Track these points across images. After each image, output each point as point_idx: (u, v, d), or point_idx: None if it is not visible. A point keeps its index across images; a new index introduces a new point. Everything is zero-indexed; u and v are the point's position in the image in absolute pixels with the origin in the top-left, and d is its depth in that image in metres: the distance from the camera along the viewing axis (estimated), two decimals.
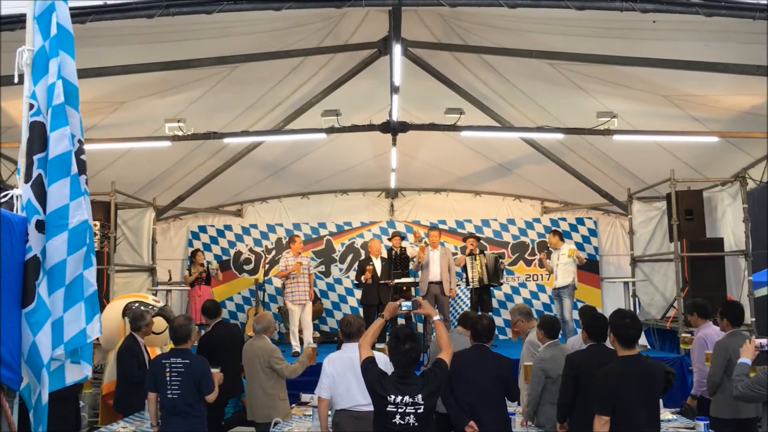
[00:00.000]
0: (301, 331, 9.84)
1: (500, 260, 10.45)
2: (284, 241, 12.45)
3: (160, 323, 7.38)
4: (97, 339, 4.45)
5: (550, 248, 10.05)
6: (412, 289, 10.16)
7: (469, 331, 5.56)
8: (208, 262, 11.36)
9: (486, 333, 5.32)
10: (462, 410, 5.05)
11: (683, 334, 7.71)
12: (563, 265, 9.75)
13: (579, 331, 6.99)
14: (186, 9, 5.68)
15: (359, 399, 4.89)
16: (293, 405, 6.53)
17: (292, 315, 9.72)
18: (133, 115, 8.56)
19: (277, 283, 12.28)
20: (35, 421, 3.34)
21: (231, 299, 12.38)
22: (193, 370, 5.31)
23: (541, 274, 12.11)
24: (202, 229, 12.67)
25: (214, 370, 5.61)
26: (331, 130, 8.78)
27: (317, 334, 10.52)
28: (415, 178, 12.43)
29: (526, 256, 12.37)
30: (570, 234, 12.12)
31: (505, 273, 11.88)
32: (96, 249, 9.11)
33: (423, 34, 7.96)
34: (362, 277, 10.16)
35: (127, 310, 7.42)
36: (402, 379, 4.06)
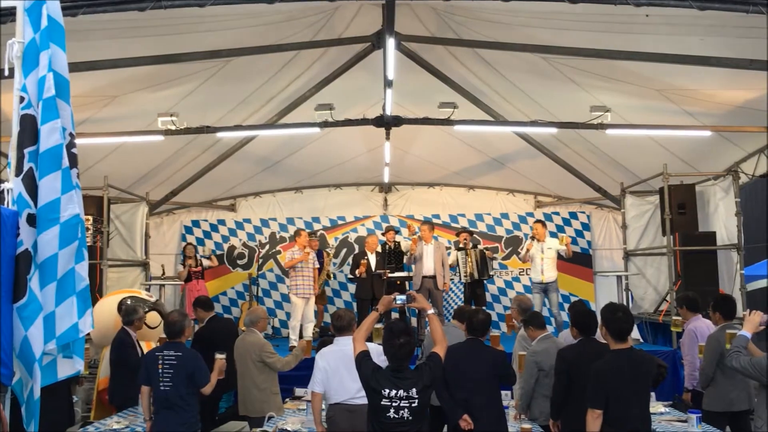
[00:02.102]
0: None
1: (486, 251, 10.42)
2: (278, 236, 12.49)
3: (154, 318, 7.37)
4: (89, 334, 4.44)
5: (535, 239, 9.82)
6: (406, 283, 10.17)
7: (464, 325, 5.58)
8: (203, 256, 11.32)
9: (481, 327, 5.34)
10: (456, 404, 5.06)
11: (674, 317, 7.67)
12: (550, 259, 9.70)
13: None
14: (178, 2, 5.66)
15: (353, 392, 4.89)
16: (287, 399, 6.53)
17: (296, 308, 9.62)
18: (125, 109, 8.52)
19: (271, 277, 12.32)
20: (27, 416, 3.33)
21: (224, 294, 12.35)
22: (186, 363, 5.29)
23: None
24: (196, 223, 12.64)
25: (219, 356, 5.61)
26: (324, 125, 8.76)
27: (317, 330, 10.51)
28: (408, 173, 12.43)
29: (519, 250, 12.38)
30: (563, 228, 12.16)
31: (498, 267, 11.95)
32: (89, 244, 9.16)
33: (417, 28, 7.94)
34: (356, 271, 10.16)
35: (121, 306, 7.41)
36: (396, 373, 4.06)
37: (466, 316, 5.62)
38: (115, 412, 6.31)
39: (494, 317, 11.38)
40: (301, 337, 9.43)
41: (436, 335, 4.36)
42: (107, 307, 7.55)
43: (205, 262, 11.30)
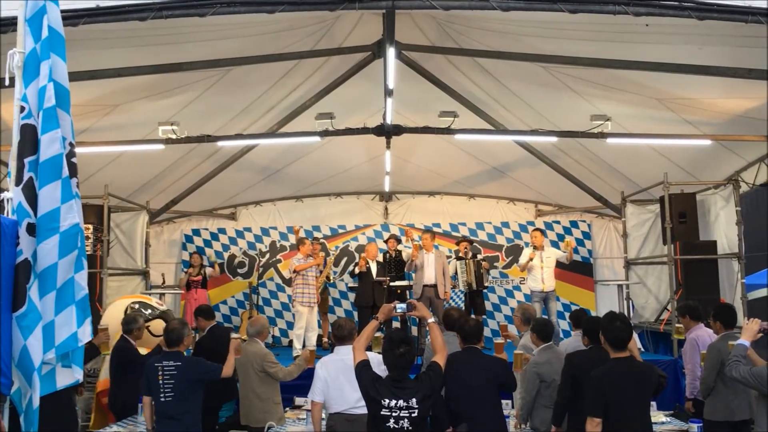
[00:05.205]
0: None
1: (482, 261, 10.44)
2: (278, 245, 12.49)
3: (159, 326, 7.37)
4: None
5: (536, 248, 9.86)
6: (407, 292, 10.15)
7: (459, 334, 5.53)
8: (206, 265, 11.28)
9: (475, 334, 5.28)
10: (454, 413, 5.02)
11: (676, 325, 7.64)
12: (550, 268, 9.70)
13: (572, 333, 7.03)
14: (179, 12, 5.66)
15: (353, 402, 4.87)
16: (287, 408, 6.51)
17: (300, 316, 9.53)
18: (126, 118, 8.53)
19: (271, 286, 12.30)
20: (26, 425, 3.33)
21: (225, 302, 12.34)
22: (188, 371, 5.30)
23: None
24: (196, 232, 12.64)
25: (234, 336, 5.69)
26: (325, 134, 8.77)
27: (327, 341, 10.46)
28: (409, 181, 12.43)
29: (519, 259, 12.35)
30: (564, 237, 12.12)
31: (499, 276, 11.93)
32: (89, 252, 9.16)
33: (417, 37, 7.96)
34: (356, 269, 10.16)
35: (127, 311, 7.43)
36: (396, 382, 4.04)
37: (458, 325, 5.55)
38: (114, 419, 6.29)
39: (494, 326, 11.39)
40: (304, 345, 9.40)
41: (437, 344, 4.35)
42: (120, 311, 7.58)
43: (208, 271, 11.27)
